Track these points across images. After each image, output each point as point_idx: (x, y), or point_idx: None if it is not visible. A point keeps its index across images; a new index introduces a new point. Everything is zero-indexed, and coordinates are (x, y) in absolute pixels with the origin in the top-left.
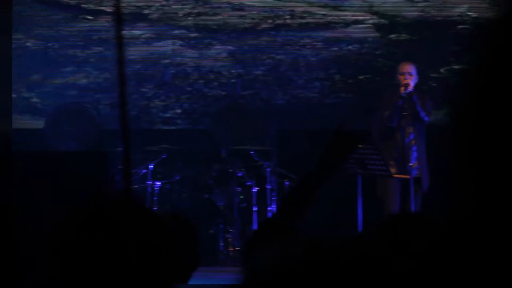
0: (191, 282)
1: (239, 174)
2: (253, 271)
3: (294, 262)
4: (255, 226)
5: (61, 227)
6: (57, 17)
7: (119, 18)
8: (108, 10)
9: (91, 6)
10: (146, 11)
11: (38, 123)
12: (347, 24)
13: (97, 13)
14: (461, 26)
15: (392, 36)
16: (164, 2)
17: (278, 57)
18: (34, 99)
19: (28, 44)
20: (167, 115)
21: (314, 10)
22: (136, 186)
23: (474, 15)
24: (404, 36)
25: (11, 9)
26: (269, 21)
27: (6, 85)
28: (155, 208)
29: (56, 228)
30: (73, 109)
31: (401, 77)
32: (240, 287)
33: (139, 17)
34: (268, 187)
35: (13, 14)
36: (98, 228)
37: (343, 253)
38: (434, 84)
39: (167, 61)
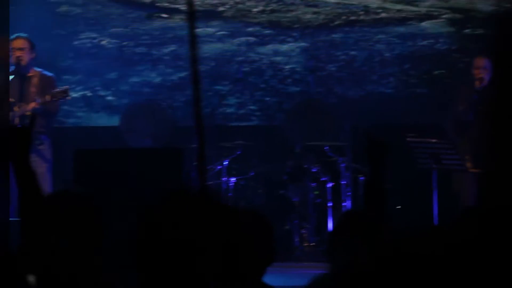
0: (266, 278)
1: (314, 170)
2: (340, 265)
3: (384, 253)
4: (330, 222)
5: (144, 224)
6: (132, 16)
7: (193, 16)
8: (183, 8)
9: (166, 4)
10: (220, 8)
11: (113, 121)
12: (421, 19)
13: (172, 11)
14: None
15: (466, 30)
16: (238, 0)
17: (352, 53)
18: (110, 97)
19: (104, 42)
20: (241, 111)
21: (388, 5)
22: (211, 183)
23: None
24: (479, 31)
25: (7, 8)
26: (343, 17)
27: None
28: (232, 205)
29: (139, 226)
30: (148, 106)
31: (476, 72)
32: (326, 282)
33: (213, 14)
34: (342, 182)
35: (89, 13)
36: (179, 225)
37: (430, 244)
38: None
39: (241, 58)
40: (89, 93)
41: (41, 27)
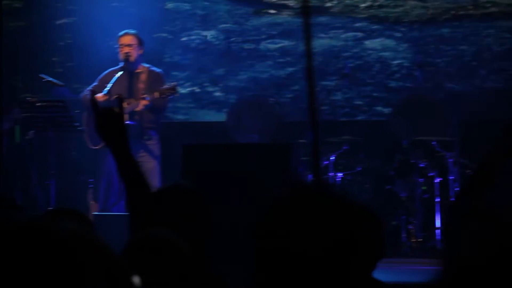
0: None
1: (421, 165)
2: (456, 260)
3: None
4: (437, 217)
5: (262, 220)
6: (240, 12)
7: (306, 12)
8: (291, 3)
9: (273, 0)
10: (328, 4)
11: (221, 117)
12: None
13: (280, 7)
14: None
15: None
16: None
17: (461, 47)
18: (218, 93)
19: (211, 39)
20: (348, 107)
21: None
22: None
23: None
24: None
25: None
26: (452, 12)
27: None
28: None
29: (258, 223)
30: (255, 102)
31: None
32: (442, 279)
33: (321, 10)
34: (450, 178)
35: (197, 9)
36: (297, 219)
37: None
38: None
39: (348, 53)
40: (197, 89)
41: (149, 23)
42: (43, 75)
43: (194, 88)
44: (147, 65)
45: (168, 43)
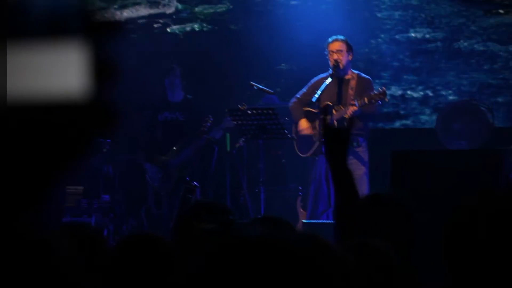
0: None
1: None
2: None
3: None
4: None
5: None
6: (466, 14)
7: None
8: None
9: (502, 1)
10: None
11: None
12: None
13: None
14: None
15: None
16: None
17: None
18: (451, 97)
19: (435, 39)
20: None
21: None
22: None
23: None
24: None
25: None
26: None
27: None
28: None
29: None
30: (464, 107)
31: None
32: None
33: None
34: None
35: (423, 11)
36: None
37: None
38: None
39: None
40: (430, 93)
41: (361, 29)
42: (253, 83)
43: (427, 91)
44: (356, 72)
45: (379, 47)
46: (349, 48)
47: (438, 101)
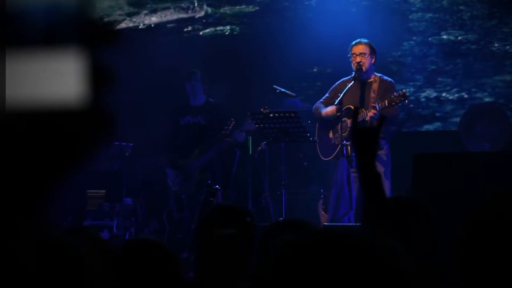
0: None
1: None
2: None
3: None
4: None
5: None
6: (498, 15)
7: None
8: None
9: None
10: None
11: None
12: None
13: None
14: None
15: None
16: None
17: None
18: (487, 99)
19: (470, 41)
20: None
21: None
22: None
23: None
24: None
25: None
26: None
27: None
28: None
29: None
30: (487, 109)
31: None
32: None
33: None
34: None
35: (450, 12)
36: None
37: None
38: None
39: None
40: (465, 95)
41: (393, 32)
42: (276, 86)
43: (462, 93)
44: (379, 74)
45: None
46: (373, 51)
47: (474, 103)
